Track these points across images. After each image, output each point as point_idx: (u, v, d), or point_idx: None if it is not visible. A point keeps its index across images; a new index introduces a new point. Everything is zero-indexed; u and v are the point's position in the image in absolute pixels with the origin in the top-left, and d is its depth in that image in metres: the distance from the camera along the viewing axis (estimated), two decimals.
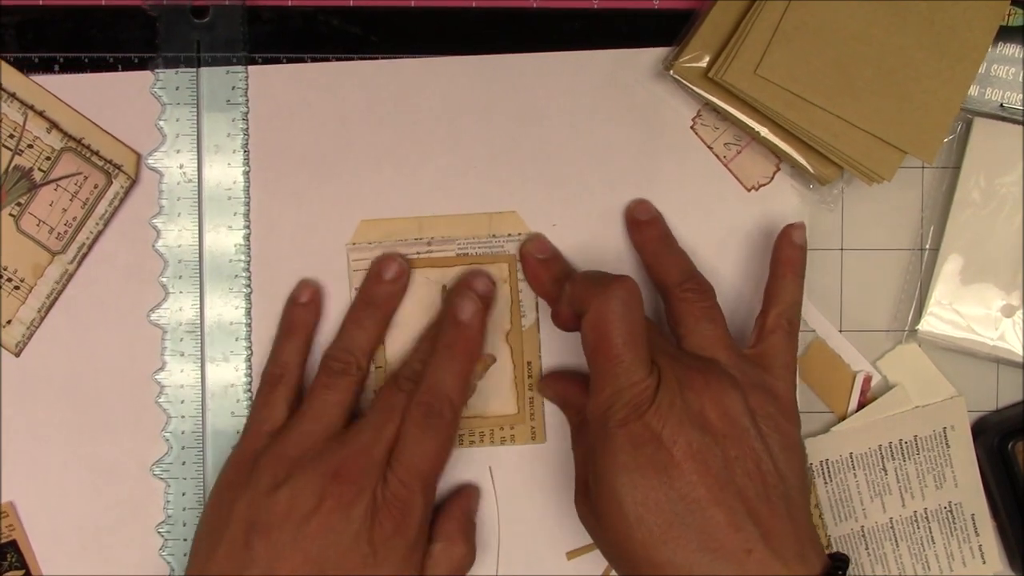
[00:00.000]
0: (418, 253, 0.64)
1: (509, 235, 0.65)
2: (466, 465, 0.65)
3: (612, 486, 0.54)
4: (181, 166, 0.63)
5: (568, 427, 0.64)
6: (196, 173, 0.63)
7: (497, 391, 0.65)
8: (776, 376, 0.59)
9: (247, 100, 0.63)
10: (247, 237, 0.63)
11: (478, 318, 0.61)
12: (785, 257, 0.63)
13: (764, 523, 0.53)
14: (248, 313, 0.63)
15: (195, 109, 0.63)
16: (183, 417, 0.63)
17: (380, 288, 0.63)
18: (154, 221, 0.63)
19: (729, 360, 0.58)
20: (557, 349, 0.65)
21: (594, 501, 0.56)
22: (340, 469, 0.57)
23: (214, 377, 0.63)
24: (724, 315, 0.60)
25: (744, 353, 0.60)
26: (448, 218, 0.64)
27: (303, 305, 0.63)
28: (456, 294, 0.62)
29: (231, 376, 0.63)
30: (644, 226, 0.64)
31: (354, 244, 0.64)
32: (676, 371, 0.55)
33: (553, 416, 0.65)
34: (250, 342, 0.63)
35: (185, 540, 0.63)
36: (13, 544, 0.62)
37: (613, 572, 0.65)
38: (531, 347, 0.65)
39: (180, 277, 0.63)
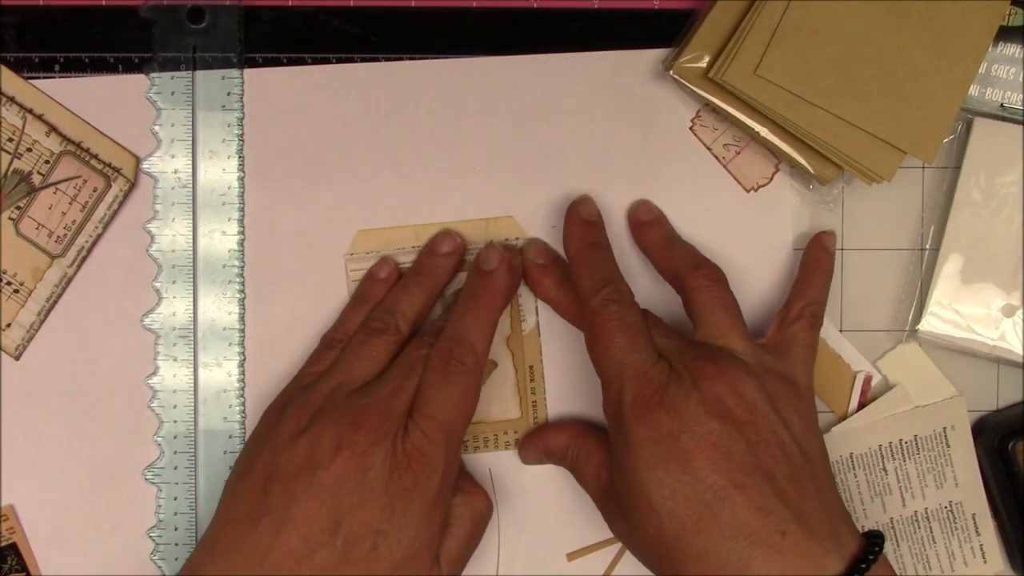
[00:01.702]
0: None
1: (506, 240, 0.64)
2: (467, 467, 0.65)
3: (638, 484, 0.54)
4: (176, 171, 0.63)
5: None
6: (191, 178, 0.63)
7: (499, 396, 0.65)
8: (793, 364, 0.59)
9: (242, 105, 0.63)
10: (241, 243, 0.63)
11: (503, 268, 0.61)
12: (814, 259, 0.64)
13: (795, 504, 0.52)
14: (241, 318, 0.64)
15: (190, 114, 0.63)
16: (175, 422, 0.63)
17: (432, 260, 0.63)
18: (148, 226, 0.63)
19: (744, 348, 0.57)
20: (558, 353, 0.65)
21: (623, 503, 0.56)
22: (358, 419, 0.56)
23: (207, 382, 0.63)
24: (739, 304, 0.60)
25: (759, 343, 0.60)
26: (445, 225, 0.64)
27: (381, 280, 0.63)
28: (483, 249, 0.62)
29: (224, 381, 0.63)
30: (648, 227, 0.64)
31: (352, 254, 0.64)
32: (687, 362, 0.55)
33: (555, 420, 0.65)
34: (243, 347, 0.64)
35: (176, 545, 0.63)
36: (13, 547, 0.63)
37: (614, 573, 0.65)
38: (532, 351, 0.65)
39: (174, 282, 0.63)
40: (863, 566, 0.51)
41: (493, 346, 0.64)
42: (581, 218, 0.63)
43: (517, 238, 0.65)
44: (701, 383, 0.54)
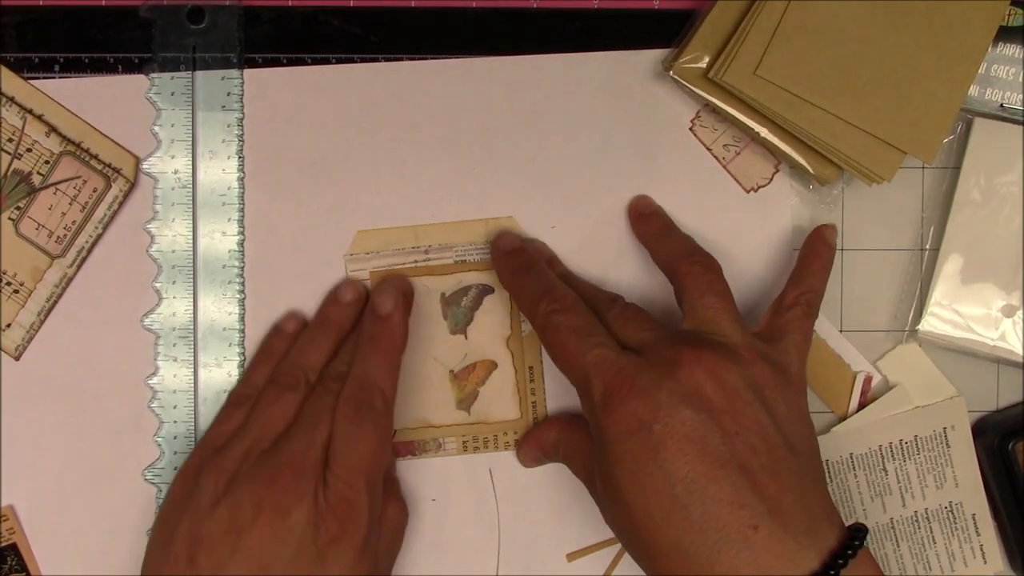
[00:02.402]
0: (416, 262, 0.64)
1: None
2: (467, 467, 0.65)
3: (611, 478, 0.53)
4: (176, 171, 0.63)
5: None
6: (191, 178, 0.63)
7: (499, 397, 0.65)
8: (786, 350, 0.58)
9: (242, 106, 0.63)
10: (241, 243, 0.63)
11: (398, 311, 0.61)
12: (813, 250, 0.63)
13: (771, 498, 0.51)
14: (241, 319, 0.64)
15: (190, 114, 0.63)
16: (175, 422, 0.63)
17: (336, 309, 0.63)
18: (148, 226, 0.63)
19: (733, 332, 0.56)
20: None
21: (599, 496, 0.56)
22: (275, 477, 0.56)
23: (207, 382, 0.63)
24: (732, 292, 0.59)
25: (753, 331, 0.59)
26: (444, 226, 0.64)
27: (288, 334, 0.63)
28: (375, 291, 0.62)
29: (224, 381, 0.63)
30: (647, 218, 0.64)
31: (352, 255, 0.64)
32: (664, 351, 0.54)
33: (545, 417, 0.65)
34: (243, 348, 0.63)
35: None
36: (13, 547, 0.63)
37: (614, 573, 0.65)
38: (532, 352, 0.65)
39: (174, 282, 0.63)
40: (840, 562, 0.50)
41: (493, 347, 0.64)
42: (502, 252, 0.63)
43: None
44: (678, 371, 0.53)
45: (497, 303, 0.65)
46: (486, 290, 0.65)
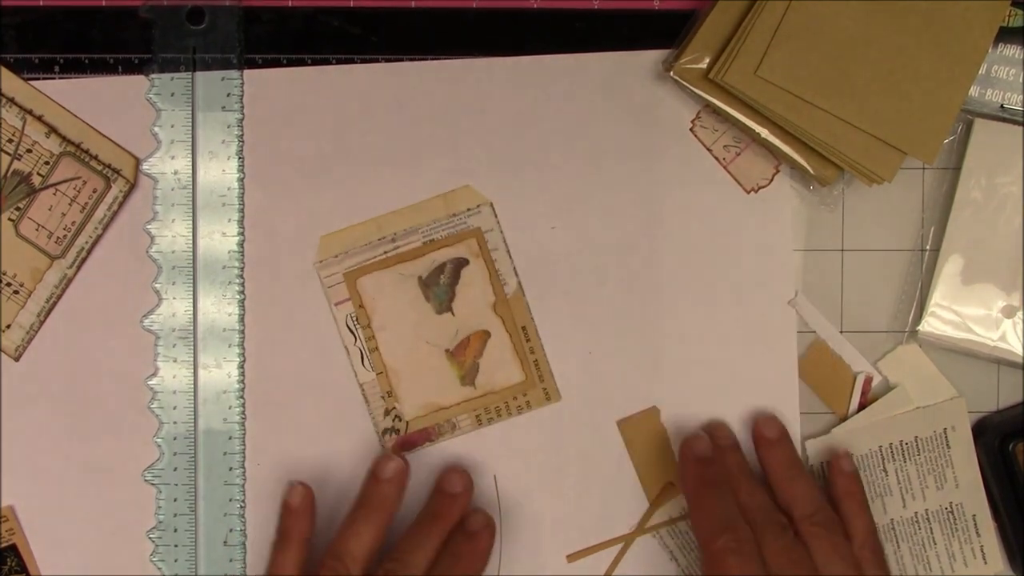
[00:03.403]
0: (385, 253, 0.64)
1: (468, 210, 0.64)
2: (469, 468, 0.65)
3: None
4: (175, 172, 0.63)
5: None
6: (190, 179, 0.63)
7: (500, 363, 0.65)
8: None
9: (242, 107, 0.63)
10: (241, 243, 0.63)
11: (487, 531, 0.62)
12: (843, 490, 0.63)
13: None
14: (241, 320, 0.63)
15: (190, 115, 0.63)
16: (175, 423, 0.63)
17: (377, 488, 0.62)
18: (148, 227, 0.63)
19: None
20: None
21: None
22: None
23: (206, 383, 0.63)
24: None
25: None
26: (404, 211, 0.64)
27: (295, 509, 0.62)
28: (447, 471, 0.63)
29: (223, 382, 0.63)
30: (773, 445, 0.64)
31: (321, 262, 0.64)
32: None
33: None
34: (243, 348, 0.63)
35: (176, 546, 0.63)
36: (13, 548, 0.63)
37: (614, 573, 0.65)
38: (520, 312, 0.65)
39: (173, 283, 0.63)
40: None
41: (480, 315, 0.64)
42: (693, 458, 0.62)
43: (478, 205, 0.64)
44: None
45: (475, 273, 0.64)
46: (461, 263, 0.64)
